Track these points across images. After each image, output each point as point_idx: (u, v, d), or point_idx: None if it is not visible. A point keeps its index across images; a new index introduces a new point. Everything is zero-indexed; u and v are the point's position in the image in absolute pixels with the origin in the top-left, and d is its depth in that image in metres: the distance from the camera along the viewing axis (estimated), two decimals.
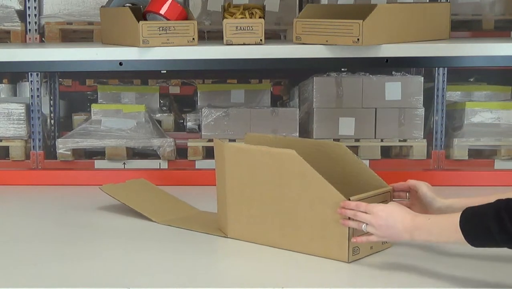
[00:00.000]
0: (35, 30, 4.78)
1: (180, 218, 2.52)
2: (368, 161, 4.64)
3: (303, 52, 2.69)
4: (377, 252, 2.14)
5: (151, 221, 2.49)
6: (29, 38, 4.76)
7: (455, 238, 1.81)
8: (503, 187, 1.85)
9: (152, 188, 2.81)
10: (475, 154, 4.97)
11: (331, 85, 4.87)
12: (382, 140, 4.88)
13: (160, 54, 2.66)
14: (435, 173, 3.71)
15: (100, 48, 2.78)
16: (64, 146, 4.87)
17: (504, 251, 1.81)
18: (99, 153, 5.00)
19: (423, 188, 2.14)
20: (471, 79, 5.55)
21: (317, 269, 2.03)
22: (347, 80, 4.88)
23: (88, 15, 4.81)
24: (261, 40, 2.73)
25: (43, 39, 4.78)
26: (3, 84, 5.49)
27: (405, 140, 4.90)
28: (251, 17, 2.77)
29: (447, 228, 1.83)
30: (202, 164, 4.79)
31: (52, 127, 5.15)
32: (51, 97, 5.14)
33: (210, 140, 4.80)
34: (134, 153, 5.01)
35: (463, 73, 5.41)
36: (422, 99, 4.89)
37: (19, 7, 4.82)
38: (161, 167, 4.77)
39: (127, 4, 2.90)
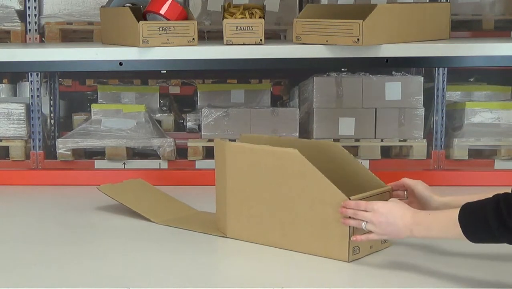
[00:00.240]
0: (35, 30, 4.78)
1: (178, 218, 2.52)
2: (368, 161, 4.62)
3: (303, 52, 2.69)
4: (377, 252, 2.14)
5: (150, 221, 2.49)
6: (29, 38, 4.75)
7: (454, 234, 1.81)
8: (503, 187, 1.84)
9: (149, 188, 2.81)
10: (475, 154, 4.96)
11: (331, 85, 4.86)
12: (382, 141, 4.87)
13: (160, 54, 2.66)
14: (435, 173, 3.71)
15: (100, 48, 2.78)
16: (64, 146, 4.86)
17: (504, 250, 1.81)
18: (99, 153, 5.00)
19: (419, 186, 2.14)
20: (471, 79, 5.55)
21: (317, 269, 2.03)
22: (347, 80, 4.87)
23: (88, 15, 4.81)
24: (261, 40, 2.73)
25: (43, 39, 4.77)
26: (3, 84, 5.48)
27: (405, 141, 4.89)
28: (251, 17, 2.77)
29: (446, 224, 1.83)
30: (202, 164, 4.78)
31: (52, 127, 5.15)
32: (51, 97, 5.13)
33: (210, 140, 4.79)
34: (134, 153, 5.00)
35: (463, 73, 5.40)
36: (422, 99, 4.88)
37: (19, 7, 4.81)
38: (161, 167, 4.77)
39: (127, 4, 2.90)
